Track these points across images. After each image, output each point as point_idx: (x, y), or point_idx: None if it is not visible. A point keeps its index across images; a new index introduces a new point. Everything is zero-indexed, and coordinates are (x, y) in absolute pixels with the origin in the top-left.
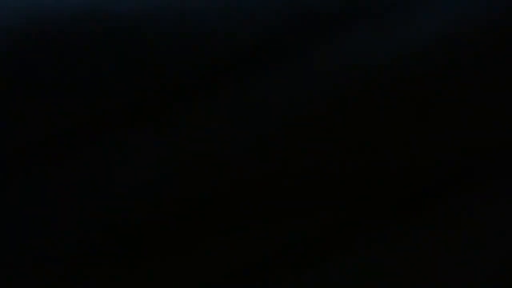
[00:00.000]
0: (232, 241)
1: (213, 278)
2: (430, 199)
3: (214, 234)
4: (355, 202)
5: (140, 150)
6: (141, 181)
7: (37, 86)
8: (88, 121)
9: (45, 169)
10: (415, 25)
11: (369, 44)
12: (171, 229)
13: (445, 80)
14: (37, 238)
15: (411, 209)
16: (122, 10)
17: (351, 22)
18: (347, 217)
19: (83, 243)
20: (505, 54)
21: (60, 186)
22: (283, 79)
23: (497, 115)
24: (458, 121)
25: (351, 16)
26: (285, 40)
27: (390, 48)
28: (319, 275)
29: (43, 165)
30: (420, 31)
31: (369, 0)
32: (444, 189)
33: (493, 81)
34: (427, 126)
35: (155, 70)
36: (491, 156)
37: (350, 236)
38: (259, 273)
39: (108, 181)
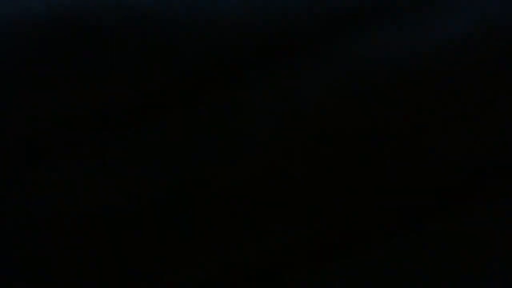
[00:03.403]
0: (239, 242)
1: (215, 279)
2: (437, 207)
3: (216, 234)
4: (360, 208)
5: (153, 143)
6: (149, 176)
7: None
8: (102, 111)
9: (51, 159)
10: (440, 23)
11: (394, 40)
12: (169, 227)
13: (465, 78)
14: (37, 231)
15: (417, 215)
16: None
17: (375, 19)
18: (350, 223)
19: (81, 241)
20: None
21: (64, 177)
22: (307, 73)
23: None
24: (480, 120)
25: (375, 12)
26: (310, 34)
27: (413, 45)
28: (320, 278)
29: (49, 155)
30: (446, 29)
31: None
32: (453, 197)
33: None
34: (449, 126)
35: (174, 62)
36: (506, 161)
37: (352, 242)
38: (265, 273)
39: (109, 175)
